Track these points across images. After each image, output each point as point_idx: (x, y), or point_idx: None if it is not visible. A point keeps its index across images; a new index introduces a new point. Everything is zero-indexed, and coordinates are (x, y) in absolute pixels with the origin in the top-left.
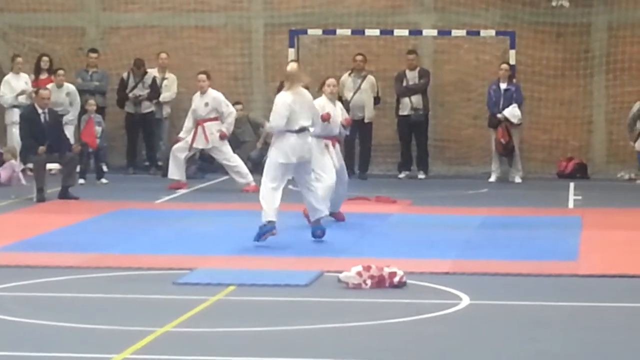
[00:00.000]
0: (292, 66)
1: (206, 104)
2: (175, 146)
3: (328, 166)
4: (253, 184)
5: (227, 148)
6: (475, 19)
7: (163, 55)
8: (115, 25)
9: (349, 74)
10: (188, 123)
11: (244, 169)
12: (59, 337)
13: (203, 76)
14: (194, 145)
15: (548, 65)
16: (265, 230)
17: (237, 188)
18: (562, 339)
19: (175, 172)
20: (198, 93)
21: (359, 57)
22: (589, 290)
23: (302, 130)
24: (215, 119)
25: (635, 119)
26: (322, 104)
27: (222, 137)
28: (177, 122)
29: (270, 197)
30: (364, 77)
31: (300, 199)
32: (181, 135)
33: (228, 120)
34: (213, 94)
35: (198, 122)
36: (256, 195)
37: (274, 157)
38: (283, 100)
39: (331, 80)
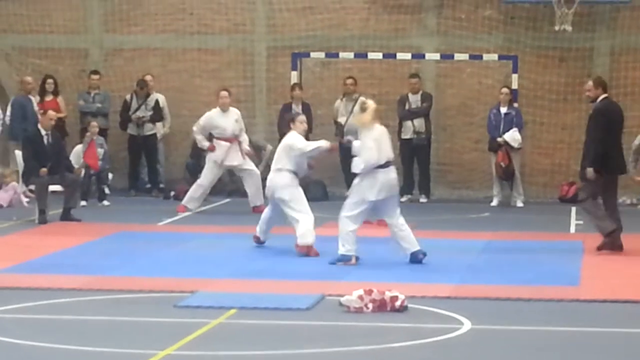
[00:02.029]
0: (373, 103)
1: (236, 121)
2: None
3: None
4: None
5: (251, 163)
6: (478, 42)
7: (148, 77)
8: (118, 47)
9: (341, 99)
10: (200, 136)
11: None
12: None
13: (226, 93)
14: (229, 164)
15: (550, 90)
16: (345, 259)
17: (242, 210)
18: None
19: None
20: (217, 111)
21: (349, 81)
22: (590, 315)
23: (388, 164)
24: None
25: (638, 151)
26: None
27: (249, 154)
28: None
29: (353, 235)
30: (356, 101)
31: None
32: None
33: (245, 137)
34: (235, 111)
35: (229, 140)
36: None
37: (363, 194)
38: (373, 136)
39: (303, 117)
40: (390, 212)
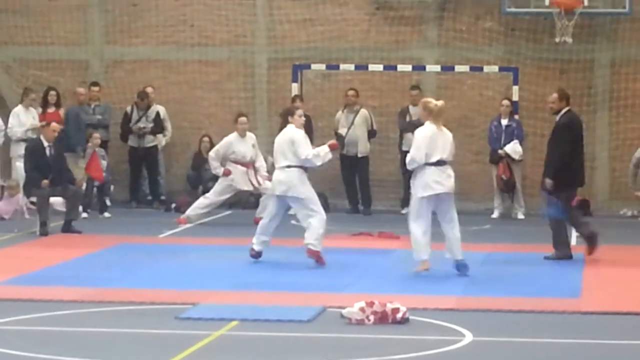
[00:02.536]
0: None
1: (253, 146)
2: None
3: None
4: None
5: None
6: (479, 54)
7: (149, 88)
8: (119, 58)
9: (342, 110)
10: (217, 163)
11: None
12: None
13: (245, 119)
14: (245, 188)
15: None
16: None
17: (243, 222)
18: None
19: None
20: (235, 136)
21: (351, 92)
22: (591, 327)
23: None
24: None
25: (637, 165)
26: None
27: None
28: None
29: (420, 238)
30: (357, 112)
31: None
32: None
33: (262, 163)
34: (251, 136)
35: (246, 165)
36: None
37: (416, 193)
38: (424, 133)
39: (301, 111)
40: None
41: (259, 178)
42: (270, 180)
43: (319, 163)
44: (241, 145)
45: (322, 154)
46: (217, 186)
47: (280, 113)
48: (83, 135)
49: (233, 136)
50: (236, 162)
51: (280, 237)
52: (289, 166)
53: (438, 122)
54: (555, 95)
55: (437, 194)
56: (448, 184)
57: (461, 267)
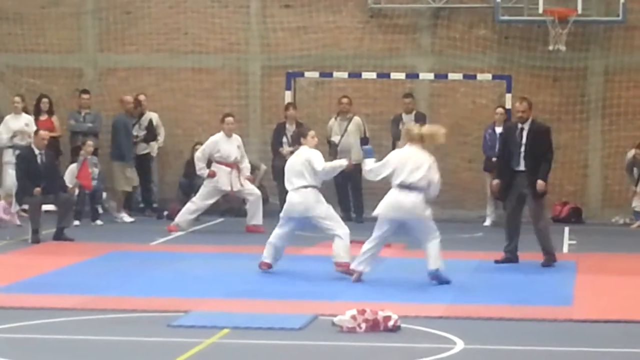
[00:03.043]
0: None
1: (238, 147)
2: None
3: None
4: (261, 227)
5: (252, 186)
6: (472, 62)
7: (142, 96)
8: (112, 66)
9: (335, 118)
10: (202, 164)
11: (261, 208)
12: None
13: (232, 119)
14: (226, 189)
15: (544, 110)
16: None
17: (235, 230)
18: None
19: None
20: (221, 135)
21: (345, 100)
22: (583, 335)
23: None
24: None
25: (631, 166)
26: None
27: (249, 180)
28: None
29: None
30: (350, 120)
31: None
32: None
33: (247, 164)
34: (237, 137)
35: (230, 166)
36: (254, 237)
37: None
38: (397, 152)
39: (313, 132)
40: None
41: (242, 179)
42: (251, 181)
43: (333, 175)
44: (227, 144)
45: (337, 165)
46: (203, 189)
47: (292, 135)
48: (131, 144)
49: (219, 135)
50: (220, 162)
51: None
52: (305, 186)
53: (421, 147)
54: (525, 104)
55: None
56: (408, 208)
57: (434, 276)
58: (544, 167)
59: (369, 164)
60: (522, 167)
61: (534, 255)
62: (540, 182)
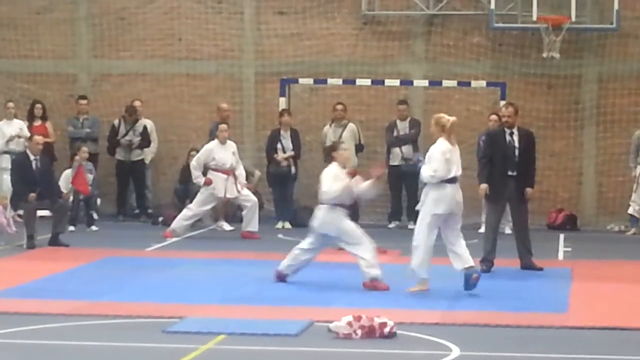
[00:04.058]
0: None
1: (233, 153)
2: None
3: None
4: (257, 233)
5: (248, 191)
6: (466, 69)
7: (137, 102)
8: (106, 72)
9: (330, 124)
10: (198, 172)
11: (257, 215)
12: None
13: (225, 126)
14: (226, 196)
15: (538, 117)
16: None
17: (230, 236)
18: None
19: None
20: (215, 143)
21: (339, 107)
22: (579, 342)
23: (454, 180)
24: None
25: (638, 147)
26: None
27: (247, 188)
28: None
29: (426, 254)
30: (345, 126)
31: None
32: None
33: (242, 171)
34: (232, 144)
35: (226, 172)
36: (249, 243)
37: (430, 209)
38: (441, 149)
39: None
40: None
41: (239, 186)
42: (249, 189)
43: (336, 195)
44: (221, 152)
45: (347, 183)
46: (200, 196)
47: (324, 149)
48: None
49: (213, 143)
50: (217, 169)
51: (267, 252)
52: (322, 203)
53: (450, 138)
54: (511, 109)
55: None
56: (461, 200)
57: (472, 275)
58: (533, 173)
59: (427, 169)
60: (514, 172)
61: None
62: (530, 189)
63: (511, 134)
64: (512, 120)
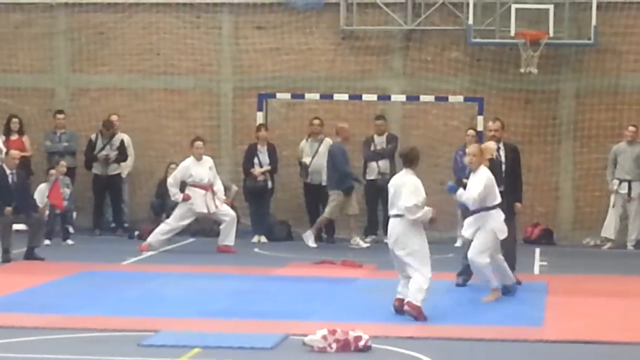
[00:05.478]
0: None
1: (210, 169)
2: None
3: None
4: (233, 247)
5: (228, 207)
6: (444, 84)
7: (114, 117)
8: (85, 86)
9: (307, 139)
10: (175, 190)
11: (234, 230)
12: None
13: (201, 143)
14: (204, 211)
15: (516, 132)
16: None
17: (206, 250)
18: None
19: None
20: (191, 160)
21: (316, 121)
22: (554, 356)
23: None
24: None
25: (615, 162)
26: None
27: (226, 203)
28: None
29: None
30: (321, 141)
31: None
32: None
33: (220, 186)
34: (208, 159)
35: (204, 188)
36: (225, 257)
37: (495, 233)
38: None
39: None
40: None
41: (217, 201)
42: (227, 204)
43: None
44: (198, 168)
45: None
46: (177, 211)
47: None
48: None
49: (189, 160)
50: (194, 185)
51: (243, 265)
52: (395, 215)
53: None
54: (498, 123)
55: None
56: None
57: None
58: (520, 187)
59: (467, 194)
60: (501, 187)
61: None
62: (519, 204)
63: (498, 149)
64: (499, 134)
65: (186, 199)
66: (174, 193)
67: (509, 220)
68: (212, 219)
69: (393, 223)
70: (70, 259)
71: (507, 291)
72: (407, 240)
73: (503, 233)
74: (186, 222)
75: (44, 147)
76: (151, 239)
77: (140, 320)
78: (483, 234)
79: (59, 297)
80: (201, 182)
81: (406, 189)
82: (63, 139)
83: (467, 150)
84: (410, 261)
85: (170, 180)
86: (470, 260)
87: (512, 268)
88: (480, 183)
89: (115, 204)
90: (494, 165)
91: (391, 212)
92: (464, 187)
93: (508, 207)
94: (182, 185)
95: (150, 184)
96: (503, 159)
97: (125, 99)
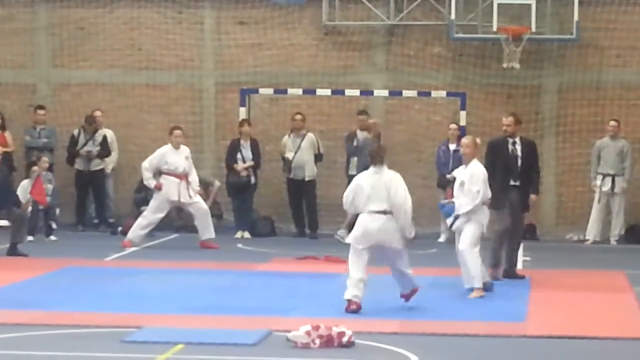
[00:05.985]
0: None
1: (186, 158)
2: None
3: None
4: (215, 243)
5: (199, 197)
6: (427, 79)
7: (97, 112)
8: (66, 82)
9: (289, 135)
10: (149, 174)
11: (211, 221)
12: None
13: (180, 132)
14: (178, 200)
15: (498, 127)
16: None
17: (189, 246)
18: None
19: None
20: (169, 147)
21: (298, 117)
22: (537, 351)
23: None
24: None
25: (599, 158)
26: None
27: (200, 194)
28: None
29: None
30: (304, 136)
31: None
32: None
33: (195, 177)
34: (185, 149)
35: (179, 177)
36: (207, 253)
37: (483, 226)
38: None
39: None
40: None
41: (191, 192)
42: (203, 196)
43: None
44: (174, 156)
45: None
46: (153, 202)
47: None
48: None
49: (167, 147)
50: (169, 173)
51: (226, 261)
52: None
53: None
54: (511, 118)
55: None
56: None
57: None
58: (537, 180)
59: (466, 205)
60: (517, 182)
61: (488, 272)
62: (534, 196)
63: (514, 143)
64: (511, 129)
65: (158, 187)
66: (147, 177)
67: (521, 215)
68: (185, 210)
69: (380, 219)
70: (53, 255)
71: (485, 288)
72: (397, 236)
73: (485, 229)
74: (163, 213)
75: (24, 142)
76: (131, 234)
77: (123, 316)
78: (472, 226)
79: (41, 293)
80: (176, 170)
81: (401, 188)
82: (42, 135)
83: (462, 141)
84: (403, 255)
85: (145, 164)
86: (461, 252)
87: (514, 265)
88: (479, 180)
89: (99, 200)
90: (509, 160)
91: (372, 207)
92: (448, 182)
93: (522, 201)
94: (156, 173)
95: (133, 179)
96: (519, 153)
97: (107, 94)
